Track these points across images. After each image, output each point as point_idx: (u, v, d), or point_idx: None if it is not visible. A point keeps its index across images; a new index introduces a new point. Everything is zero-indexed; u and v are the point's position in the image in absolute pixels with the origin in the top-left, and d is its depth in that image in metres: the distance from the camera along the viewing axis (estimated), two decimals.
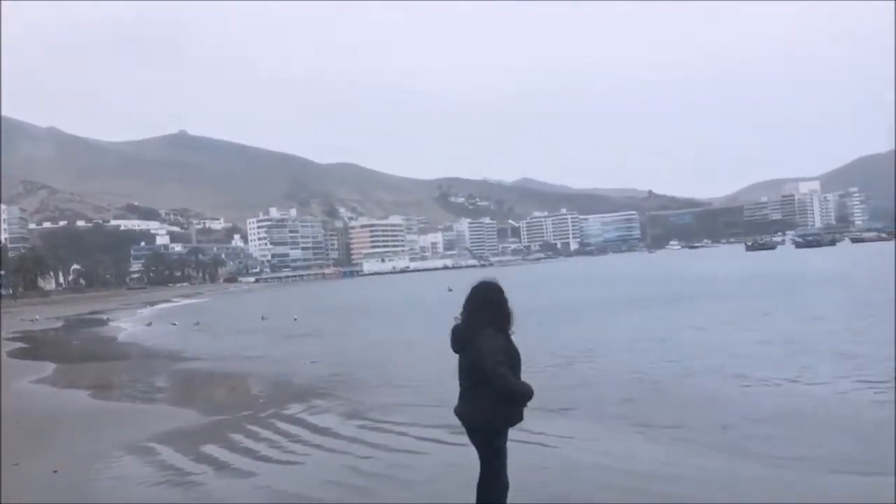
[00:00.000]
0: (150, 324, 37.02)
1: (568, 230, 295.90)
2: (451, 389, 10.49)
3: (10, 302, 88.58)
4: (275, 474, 6.62)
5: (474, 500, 5.20)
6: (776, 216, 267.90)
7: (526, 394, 3.97)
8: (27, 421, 10.05)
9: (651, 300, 28.94)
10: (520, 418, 4.09)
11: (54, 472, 6.94)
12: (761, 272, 45.19)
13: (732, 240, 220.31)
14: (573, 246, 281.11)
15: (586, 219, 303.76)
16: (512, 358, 4.02)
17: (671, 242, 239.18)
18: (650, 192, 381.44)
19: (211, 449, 7.72)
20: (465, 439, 7.27)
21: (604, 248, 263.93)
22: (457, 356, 4.24)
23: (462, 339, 4.12)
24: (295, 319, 31.66)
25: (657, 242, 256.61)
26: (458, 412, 4.18)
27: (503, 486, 4.14)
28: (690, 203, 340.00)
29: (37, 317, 49.02)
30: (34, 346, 27.00)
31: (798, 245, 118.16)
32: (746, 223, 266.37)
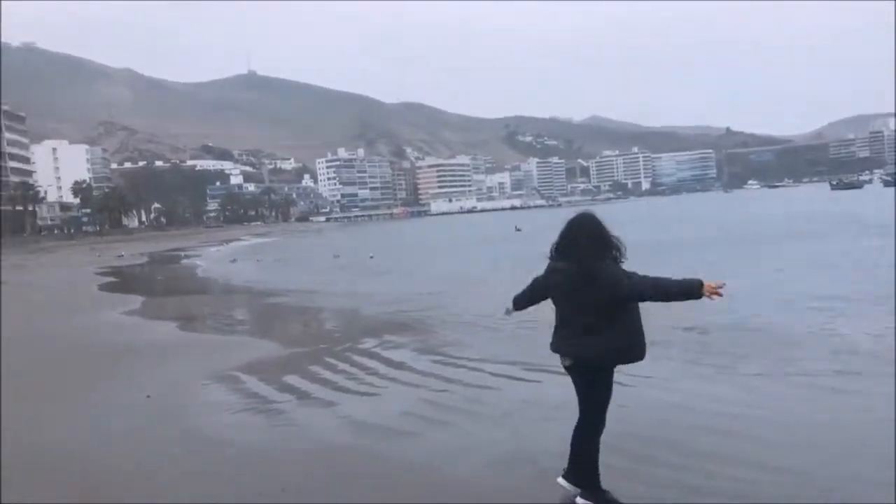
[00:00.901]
0: (234, 260, 38.41)
1: (639, 169, 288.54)
2: (518, 326, 10.52)
3: (97, 239, 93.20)
4: (354, 404, 6.80)
5: (547, 432, 5.26)
6: (864, 153, 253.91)
7: (694, 284, 3.66)
8: (121, 349, 10.62)
9: (732, 241, 28.04)
10: (642, 353, 3.92)
11: (147, 397, 7.32)
12: (847, 212, 43.08)
13: (815, 179, 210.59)
14: (644, 186, 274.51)
15: (659, 157, 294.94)
16: None
17: (749, 182, 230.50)
18: (728, 130, 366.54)
19: (292, 379, 7.99)
20: (538, 376, 7.40)
21: (677, 188, 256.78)
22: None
23: (578, 278, 3.82)
24: (371, 257, 32.27)
25: (734, 182, 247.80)
26: (578, 352, 3.90)
27: (602, 429, 4.06)
28: (771, 140, 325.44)
29: (123, 253, 51.45)
30: (123, 281, 28.40)
31: (887, 184, 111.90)
32: (831, 161, 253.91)
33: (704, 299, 3.76)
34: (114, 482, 4.91)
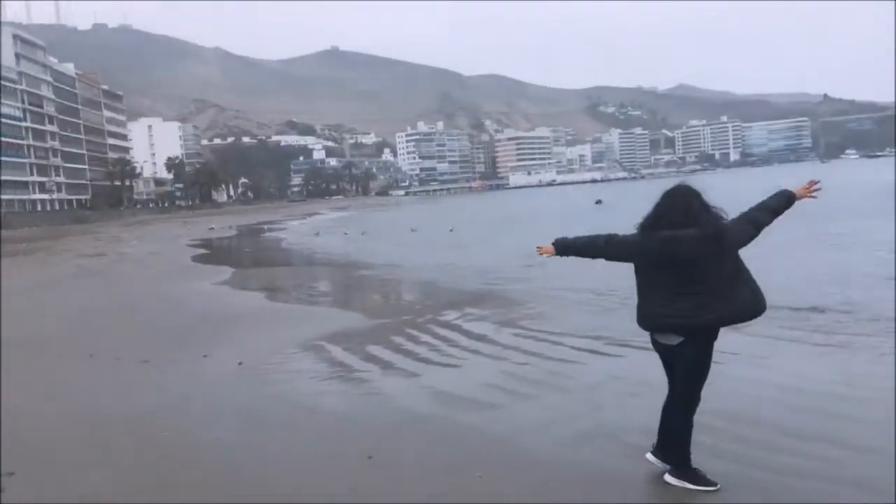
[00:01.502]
0: (317, 233, 39.45)
1: (728, 140, 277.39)
2: (605, 299, 10.31)
3: (188, 212, 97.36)
4: (436, 375, 6.87)
5: (632, 408, 5.17)
6: None
7: (788, 195, 3.97)
8: (213, 318, 11.09)
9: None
10: (765, 301, 3.85)
11: (239, 363, 7.61)
12: None
13: None
14: (733, 157, 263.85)
15: (749, 127, 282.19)
16: None
17: (847, 151, 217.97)
18: (825, 96, 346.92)
19: (375, 350, 8.14)
20: (621, 350, 7.27)
21: (768, 159, 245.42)
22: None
23: (709, 242, 3.66)
24: (451, 230, 32.47)
25: (831, 151, 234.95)
26: (708, 318, 3.70)
27: (697, 406, 3.95)
28: (872, 107, 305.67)
29: (213, 226, 53.57)
30: (214, 252, 29.61)
31: None
32: None
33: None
34: (205, 447, 5.14)
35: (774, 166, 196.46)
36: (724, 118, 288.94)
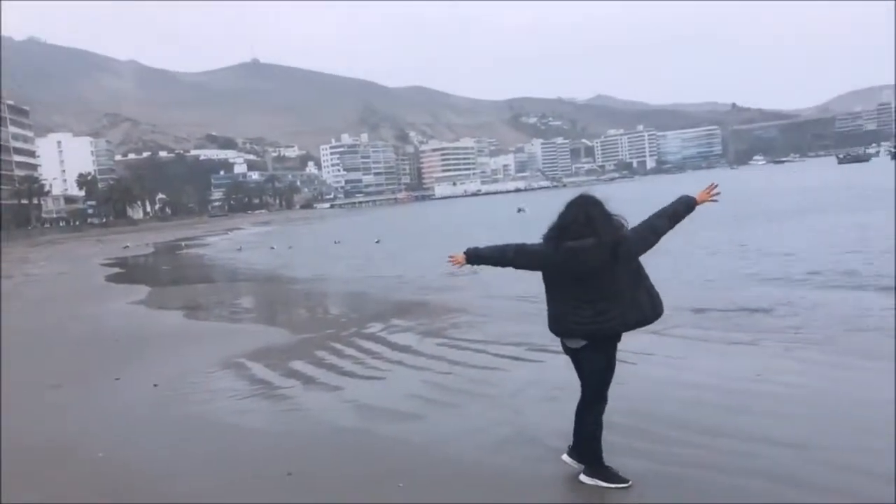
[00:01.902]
0: (240, 249, 38.55)
1: (644, 148, 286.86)
2: (529, 305, 10.49)
3: (102, 230, 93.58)
4: (359, 388, 6.82)
5: (551, 412, 5.27)
6: (871, 126, 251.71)
7: (688, 200, 4.02)
8: (127, 339, 10.68)
9: (740, 216, 27.92)
10: (662, 306, 4.00)
11: (154, 385, 7.36)
12: (853, 185, 42.81)
13: (822, 153, 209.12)
14: (650, 164, 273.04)
15: (664, 135, 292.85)
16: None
17: (755, 157, 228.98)
18: (734, 105, 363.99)
19: (298, 365, 8.02)
20: (541, 356, 7.39)
21: (682, 166, 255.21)
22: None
23: (605, 251, 3.77)
24: (377, 242, 32.39)
25: (740, 158, 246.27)
26: (610, 325, 3.84)
27: (605, 406, 4.09)
28: (777, 115, 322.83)
29: (128, 244, 51.63)
30: (129, 271, 28.53)
31: (894, 157, 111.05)
32: (838, 135, 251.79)
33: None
34: (120, 471, 4.95)
35: (688, 173, 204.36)
36: (641, 127, 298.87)
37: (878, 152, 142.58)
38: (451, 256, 4.31)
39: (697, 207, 4.11)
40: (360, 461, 4.79)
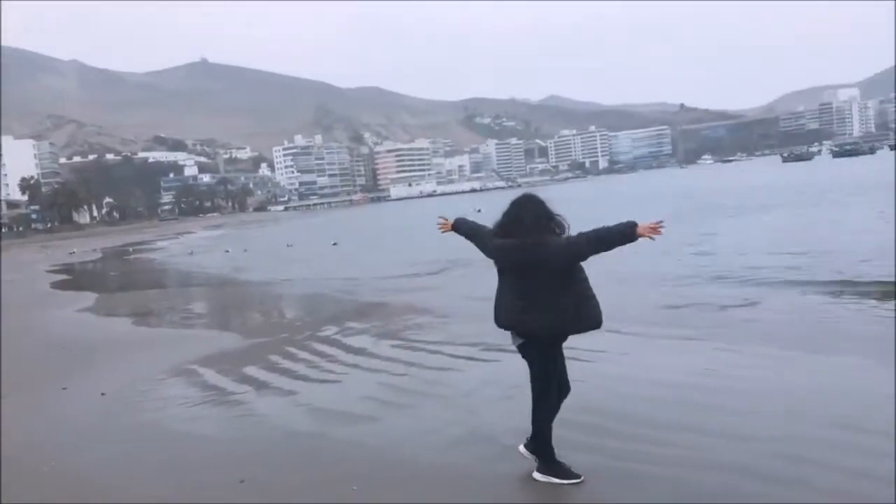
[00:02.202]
0: (191, 253, 37.79)
1: (597, 148, 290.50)
2: (477, 307, 10.55)
3: (47, 236, 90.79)
4: (314, 392, 6.78)
5: (506, 410, 5.32)
6: (813, 126, 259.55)
7: (629, 227, 3.75)
8: (74, 348, 10.39)
9: (688, 213, 28.55)
10: (598, 319, 3.96)
11: (102, 394, 7.18)
12: (794, 182, 44.20)
13: (767, 152, 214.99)
14: (602, 164, 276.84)
15: (616, 136, 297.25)
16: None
17: (703, 157, 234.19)
18: (682, 106, 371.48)
19: (251, 370, 7.91)
20: (497, 356, 7.45)
21: (633, 166, 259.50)
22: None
23: (525, 253, 3.89)
24: (335, 244, 32.11)
25: (689, 158, 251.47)
26: (529, 328, 3.95)
27: (551, 402, 4.13)
28: (723, 115, 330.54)
29: (74, 250, 50.18)
30: (75, 278, 27.73)
31: (835, 155, 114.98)
32: (782, 134, 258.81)
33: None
34: (68, 480, 4.83)
35: (639, 172, 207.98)
36: (593, 128, 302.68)
37: (819, 151, 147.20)
38: (440, 219, 4.59)
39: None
40: (315, 465, 4.76)
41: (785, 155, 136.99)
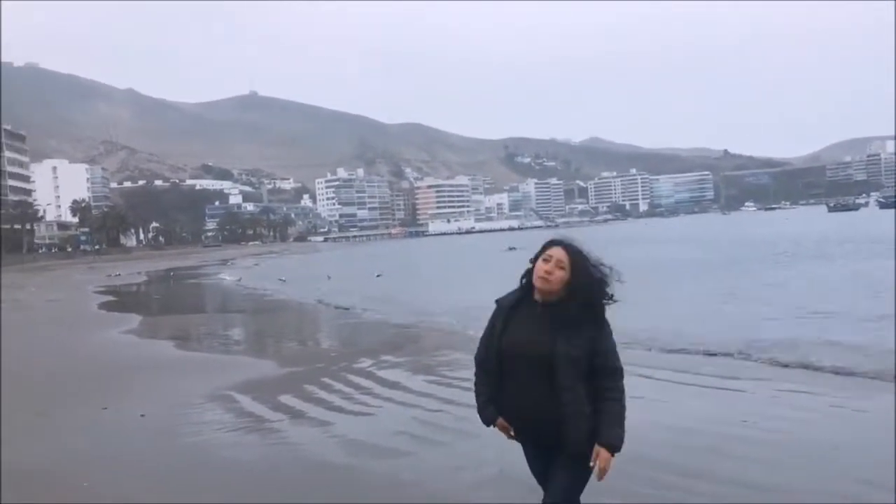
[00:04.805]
0: (240, 279, 38.26)
1: (637, 191, 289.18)
2: None
3: (94, 257, 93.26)
4: (348, 424, 6.84)
5: None
6: (860, 177, 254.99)
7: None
8: (116, 369, 10.65)
9: (734, 261, 28.19)
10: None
11: (141, 416, 7.36)
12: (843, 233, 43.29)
13: (812, 201, 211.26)
14: (642, 207, 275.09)
15: (657, 179, 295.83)
16: None
17: (746, 204, 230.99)
18: (725, 152, 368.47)
19: (286, 398, 8.03)
20: None
21: (675, 210, 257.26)
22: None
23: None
24: (378, 276, 32.29)
25: (731, 204, 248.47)
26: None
27: None
28: (768, 163, 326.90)
29: (119, 272, 51.40)
30: (121, 300, 28.40)
31: (882, 206, 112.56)
32: (828, 184, 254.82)
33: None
34: (105, 497, 4.96)
35: (681, 216, 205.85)
36: (634, 170, 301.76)
37: (867, 202, 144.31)
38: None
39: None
40: (345, 497, 4.81)
41: (831, 204, 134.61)
